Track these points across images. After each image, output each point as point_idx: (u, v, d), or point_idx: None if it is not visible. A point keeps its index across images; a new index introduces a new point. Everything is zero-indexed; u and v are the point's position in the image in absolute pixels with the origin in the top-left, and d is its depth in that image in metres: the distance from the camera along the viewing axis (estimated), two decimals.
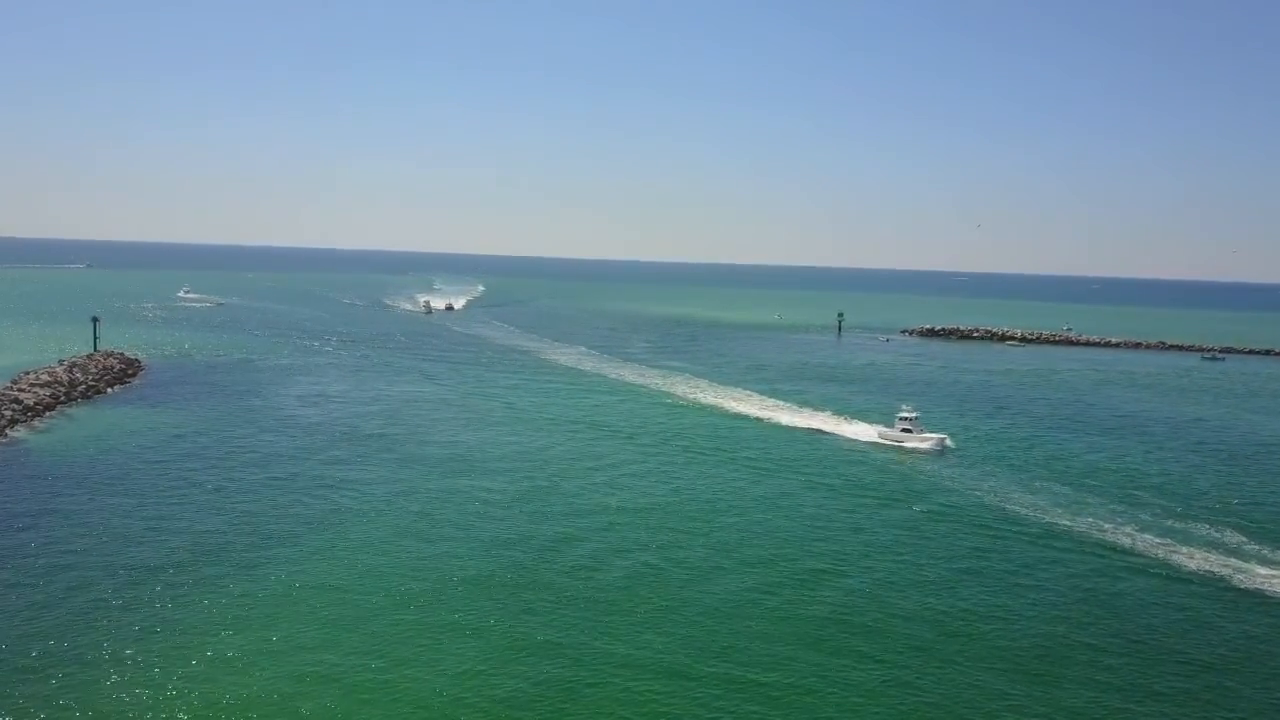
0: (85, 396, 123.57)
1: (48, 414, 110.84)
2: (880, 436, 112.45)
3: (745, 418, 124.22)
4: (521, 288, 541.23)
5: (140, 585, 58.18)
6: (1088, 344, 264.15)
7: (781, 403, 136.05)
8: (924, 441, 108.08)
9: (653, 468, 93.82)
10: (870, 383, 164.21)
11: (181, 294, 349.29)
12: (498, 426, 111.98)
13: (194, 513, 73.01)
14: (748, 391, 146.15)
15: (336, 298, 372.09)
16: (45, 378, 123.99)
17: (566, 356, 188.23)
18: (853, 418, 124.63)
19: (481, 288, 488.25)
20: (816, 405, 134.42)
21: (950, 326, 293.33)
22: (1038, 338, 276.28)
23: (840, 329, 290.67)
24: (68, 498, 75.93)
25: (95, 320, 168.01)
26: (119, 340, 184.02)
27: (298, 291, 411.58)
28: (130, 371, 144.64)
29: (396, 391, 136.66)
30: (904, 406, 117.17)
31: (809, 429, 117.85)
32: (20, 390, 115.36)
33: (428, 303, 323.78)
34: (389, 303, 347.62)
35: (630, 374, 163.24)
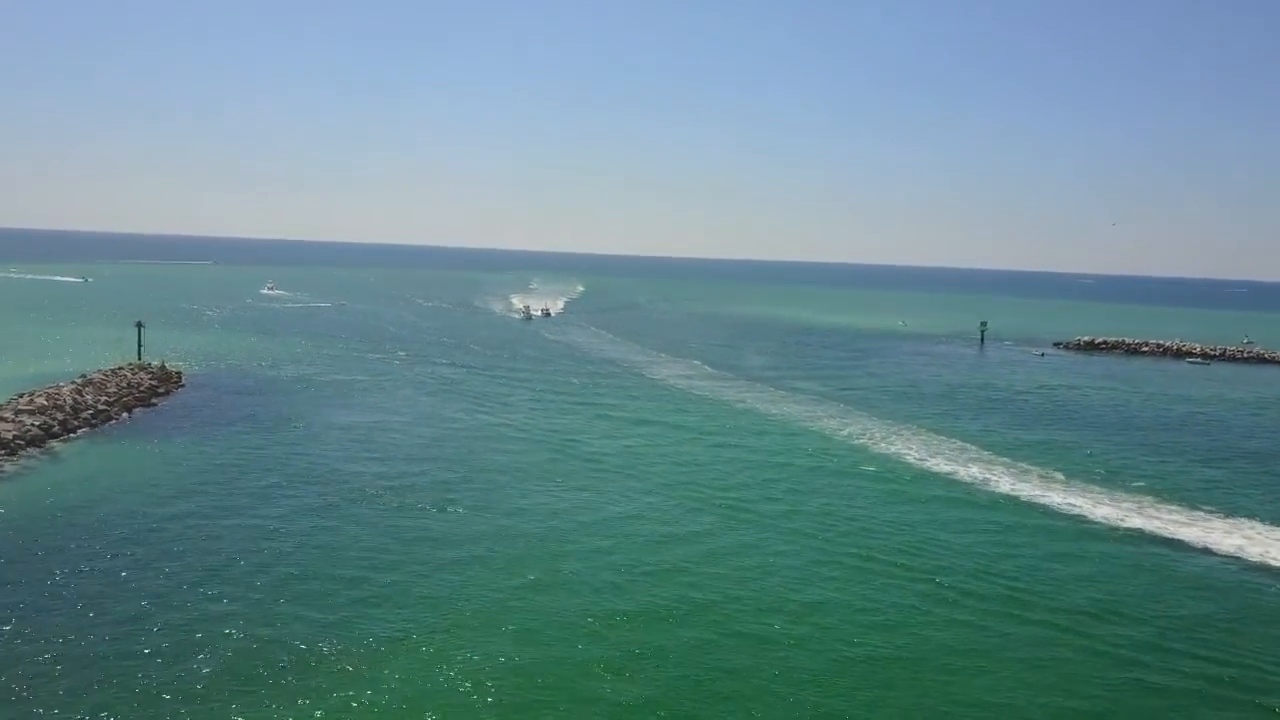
0: (90, 424, 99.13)
1: (26, 452, 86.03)
2: None
3: (979, 496, 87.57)
4: (620, 288, 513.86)
5: None
6: None
7: (1038, 470, 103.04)
8: None
9: (858, 598, 60.63)
10: (1072, 421, 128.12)
11: (265, 290, 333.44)
12: (598, 494, 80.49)
13: (120, 644, 45.20)
14: (959, 442, 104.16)
15: (423, 299, 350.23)
16: (42, 401, 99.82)
17: (681, 377, 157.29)
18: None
19: (581, 288, 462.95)
20: (1098, 481, 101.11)
21: (1114, 339, 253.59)
22: (1221, 353, 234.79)
23: (983, 339, 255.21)
24: None
25: (139, 325, 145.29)
26: (175, 345, 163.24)
27: (384, 290, 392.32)
28: (162, 389, 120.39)
29: (473, 424, 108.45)
30: None
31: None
32: (1, 419, 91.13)
33: (527, 307, 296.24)
34: (483, 305, 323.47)
35: (764, 403, 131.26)
